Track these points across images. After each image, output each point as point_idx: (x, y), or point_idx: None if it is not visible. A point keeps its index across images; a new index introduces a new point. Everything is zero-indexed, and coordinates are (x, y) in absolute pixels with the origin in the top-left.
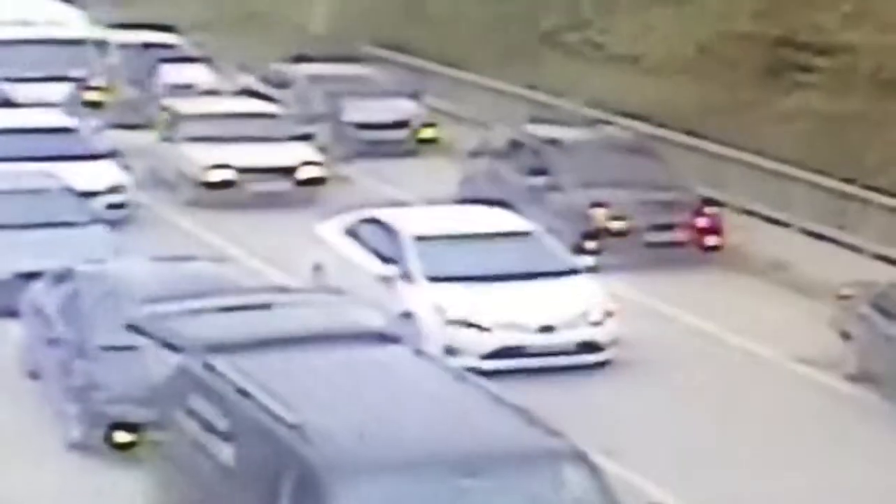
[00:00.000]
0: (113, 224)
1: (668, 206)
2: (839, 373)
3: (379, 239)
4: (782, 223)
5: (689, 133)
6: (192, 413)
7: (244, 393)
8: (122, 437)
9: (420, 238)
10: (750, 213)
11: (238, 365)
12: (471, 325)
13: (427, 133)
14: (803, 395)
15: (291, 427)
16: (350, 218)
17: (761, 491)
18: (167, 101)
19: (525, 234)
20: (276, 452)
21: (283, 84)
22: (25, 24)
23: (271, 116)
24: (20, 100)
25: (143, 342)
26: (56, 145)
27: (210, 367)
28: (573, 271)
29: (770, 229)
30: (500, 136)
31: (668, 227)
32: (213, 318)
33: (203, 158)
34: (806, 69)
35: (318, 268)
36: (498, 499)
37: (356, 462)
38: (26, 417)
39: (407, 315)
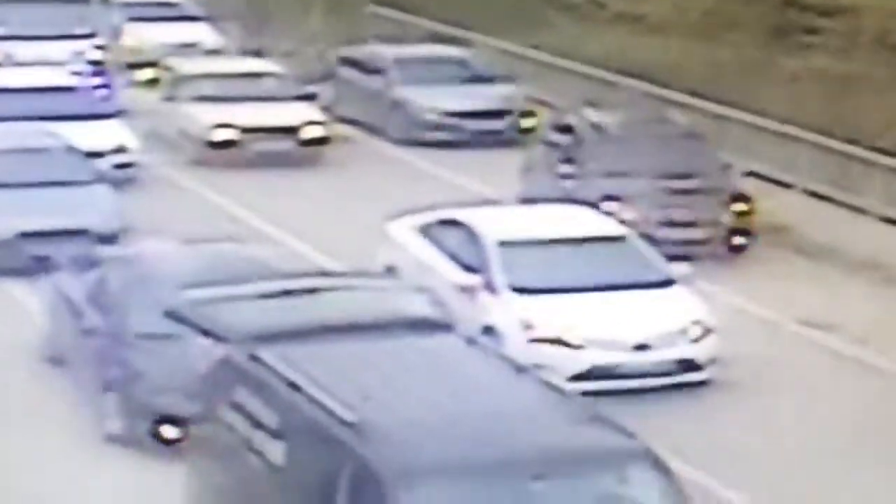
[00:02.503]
0: (119, 184)
1: (694, 200)
2: None
3: (458, 243)
4: (785, 184)
5: (693, 94)
6: (237, 407)
7: (294, 387)
8: (168, 431)
9: (505, 243)
10: (753, 174)
11: (286, 355)
12: (560, 342)
13: (527, 123)
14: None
15: (348, 425)
16: (425, 217)
17: None
18: (170, 61)
19: (618, 238)
20: (331, 452)
21: (367, 68)
22: None
23: (275, 76)
24: (24, 59)
25: (183, 330)
26: (62, 105)
27: (256, 359)
28: (670, 282)
29: (774, 191)
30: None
31: (688, 224)
32: (257, 305)
33: (206, 118)
34: (811, 31)
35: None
36: (565, 502)
37: (419, 463)
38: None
39: (489, 329)
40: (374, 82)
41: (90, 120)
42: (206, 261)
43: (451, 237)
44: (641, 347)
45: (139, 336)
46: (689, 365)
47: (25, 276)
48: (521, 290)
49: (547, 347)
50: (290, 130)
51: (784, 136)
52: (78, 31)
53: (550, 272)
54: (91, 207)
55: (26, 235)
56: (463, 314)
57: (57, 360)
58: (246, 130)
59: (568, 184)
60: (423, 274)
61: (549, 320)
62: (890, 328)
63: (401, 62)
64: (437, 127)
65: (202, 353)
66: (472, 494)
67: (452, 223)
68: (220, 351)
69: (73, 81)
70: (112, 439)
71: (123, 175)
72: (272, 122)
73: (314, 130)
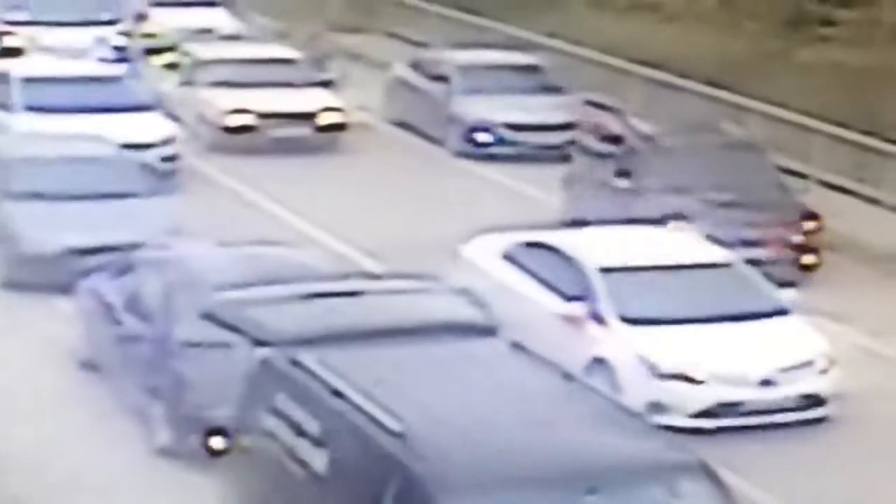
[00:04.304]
0: (167, 175)
1: (759, 218)
2: None
3: (552, 269)
4: (801, 175)
5: (710, 83)
6: (277, 413)
7: (337, 393)
8: (218, 443)
9: (607, 270)
10: None
11: (328, 360)
12: (683, 378)
13: None
14: None
15: (394, 434)
16: (506, 239)
17: None
18: (188, 46)
19: (724, 265)
20: (376, 462)
21: (431, 74)
22: None
23: (292, 62)
24: (49, 44)
25: (229, 336)
26: (104, 96)
27: (297, 363)
28: (784, 311)
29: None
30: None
31: (755, 243)
32: (298, 307)
33: (223, 103)
34: (828, 22)
35: None
36: None
37: (468, 475)
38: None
39: (599, 362)
40: (436, 89)
41: (133, 112)
42: (246, 264)
43: (543, 262)
44: (767, 383)
45: (185, 344)
46: (814, 400)
47: (72, 292)
48: (633, 321)
49: (668, 383)
50: (307, 116)
51: (800, 126)
52: (102, 17)
53: (660, 301)
54: (143, 222)
55: (74, 252)
56: (565, 345)
57: (91, 366)
58: (263, 116)
59: (625, 200)
60: (510, 302)
61: (669, 354)
62: None
63: (464, 69)
64: (499, 141)
65: (251, 360)
66: None
67: (541, 247)
68: (259, 354)
69: (116, 71)
70: (161, 451)
71: (170, 167)
72: (289, 108)
73: (331, 117)
